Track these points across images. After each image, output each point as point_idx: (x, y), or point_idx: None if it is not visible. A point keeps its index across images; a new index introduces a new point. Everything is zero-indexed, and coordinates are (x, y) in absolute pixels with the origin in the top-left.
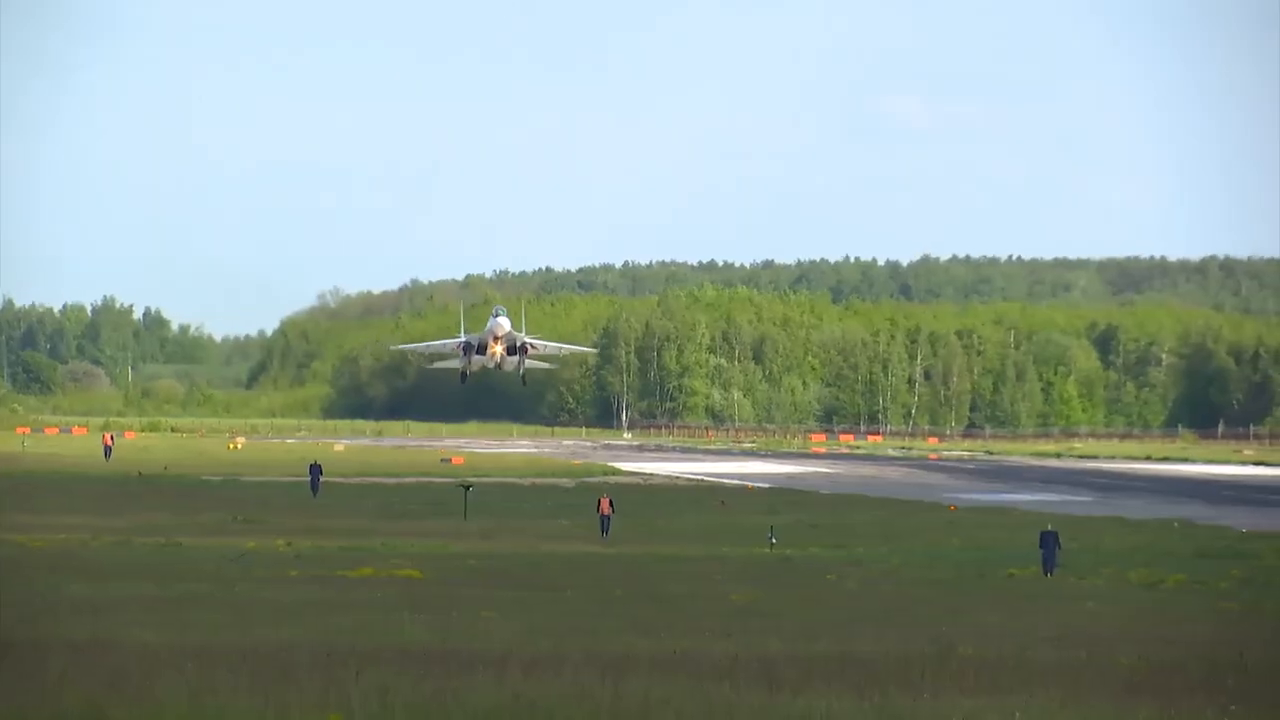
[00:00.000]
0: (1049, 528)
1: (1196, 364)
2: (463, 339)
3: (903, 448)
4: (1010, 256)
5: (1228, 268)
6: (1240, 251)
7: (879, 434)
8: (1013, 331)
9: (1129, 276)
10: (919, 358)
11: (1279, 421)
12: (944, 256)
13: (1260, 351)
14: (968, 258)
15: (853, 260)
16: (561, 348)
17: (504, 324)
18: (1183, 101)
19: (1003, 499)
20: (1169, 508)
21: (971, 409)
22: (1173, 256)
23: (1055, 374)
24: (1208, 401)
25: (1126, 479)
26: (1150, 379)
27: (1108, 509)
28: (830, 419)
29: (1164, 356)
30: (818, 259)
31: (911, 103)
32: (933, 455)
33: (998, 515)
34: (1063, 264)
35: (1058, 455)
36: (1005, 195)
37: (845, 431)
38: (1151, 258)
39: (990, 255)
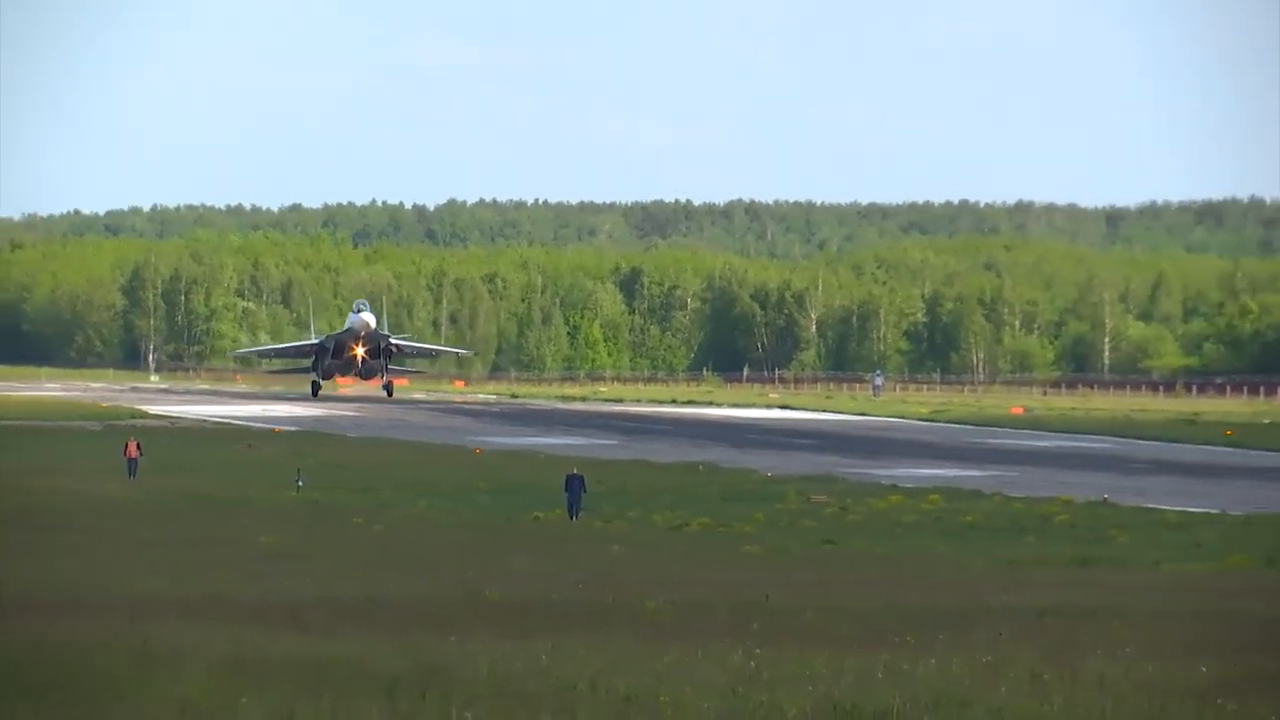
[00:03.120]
0: (574, 471)
1: (721, 307)
2: (316, 341)
3: (429, 390)
4: (536, 200)
5: (753, 211)
6: (765, 195)
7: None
8: (539, 275)
9: (654, 220)
10: (444, 302)
11: (803, 365)
12: (470, 200)
13: (785, 295)
14: (494, 201)
15: (379, 204)
16: (433, 349)
17: (369, 320)
18: (701, 43)
19: (529, 442)
20: (694, 451)
21: (497, 352)
22: (698, 200)
23: (581, 317)
24: (732, 345)
25: (652, 422)
26: (675, 323)
27: (633, 452)
28: None
29: (688, 300)
30: (344, 203)
31: (438, 45)
32: (458, 398)
33: (524, 458)
34: (589, 208)
35: (583, 399)
36: (531, 139)
37: None
38: (677, 201)
39: (516, 199)
